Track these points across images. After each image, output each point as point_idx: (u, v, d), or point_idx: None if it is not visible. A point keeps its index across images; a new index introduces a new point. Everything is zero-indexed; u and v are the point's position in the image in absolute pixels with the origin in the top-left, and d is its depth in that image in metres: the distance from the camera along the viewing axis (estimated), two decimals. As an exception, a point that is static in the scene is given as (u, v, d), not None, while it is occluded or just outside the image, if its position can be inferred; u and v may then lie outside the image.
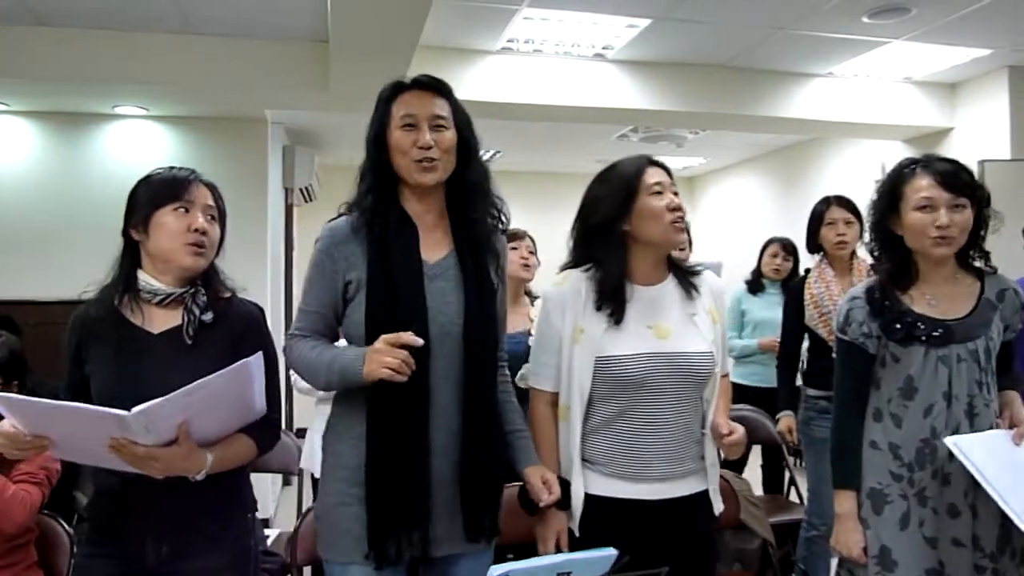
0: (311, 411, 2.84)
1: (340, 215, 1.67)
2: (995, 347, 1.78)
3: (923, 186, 1.76)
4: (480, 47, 4.43)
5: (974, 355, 1.75)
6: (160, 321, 1.60)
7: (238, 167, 4.69)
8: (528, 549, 1.72)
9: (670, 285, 1.77)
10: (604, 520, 1.67)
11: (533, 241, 2.97)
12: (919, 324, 1.77)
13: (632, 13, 3.96)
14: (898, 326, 1.78)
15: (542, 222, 4.06)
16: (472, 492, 1.58)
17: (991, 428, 1.76)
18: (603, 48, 4.47)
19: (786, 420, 3.06)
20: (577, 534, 1.68)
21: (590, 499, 1.69)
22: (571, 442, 1.70)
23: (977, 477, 1.66)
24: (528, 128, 6.01)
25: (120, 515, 1.56)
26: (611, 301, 1.69)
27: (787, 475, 3.61)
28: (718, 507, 1.78)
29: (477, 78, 4.49)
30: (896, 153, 5.46)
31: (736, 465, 3.48)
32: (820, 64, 4.78)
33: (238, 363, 1.45)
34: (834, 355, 1.95)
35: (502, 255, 1.72)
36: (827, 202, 2.97)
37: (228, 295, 1.68)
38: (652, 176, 1.72)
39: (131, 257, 1.63)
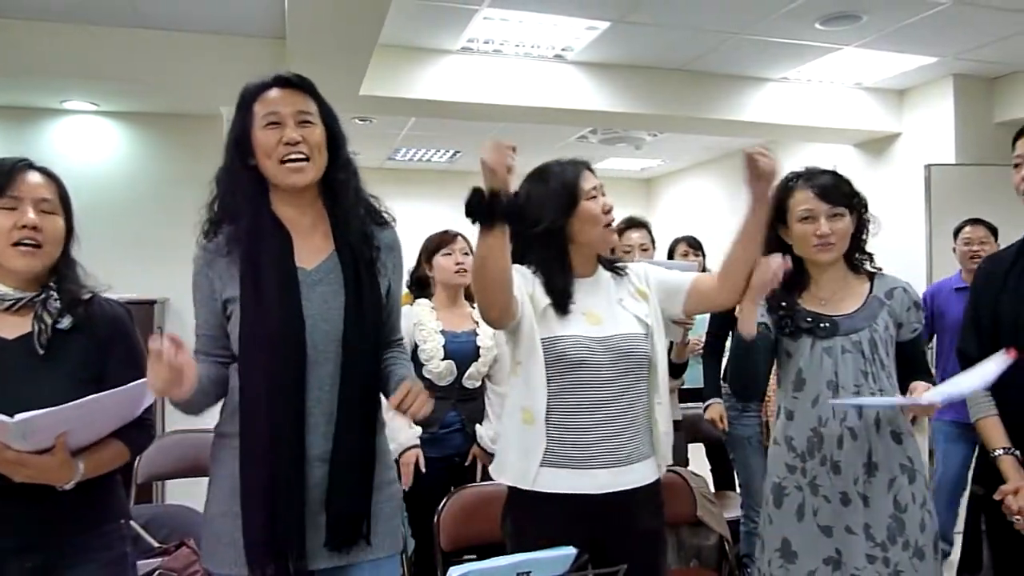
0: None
1: (204, 234, 1.59)
2: (882, 340, 1.86)
3: (804, 199, 1.90)
4: (440, 47, 4.42)
5: (858, 346, 1.84)
6: (12, 327, 1.49)
7: (192, 165, 4.57)
8: (487, 551, 1.72)
9: (603, 275, 1.84)
10: (549, 519, 1.66)
11: (467, 241, 2.85)
12: (807, 319, 1.88)
13: (591, 15, 3.99)
14: (788, 320, 1.90)
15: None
16: (335, 502, 1.50)
17: (881, 415, 1.84)
18: (563, 49, 4.49)
19: (715, 408, 3.05)
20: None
21: (537, 496, 1.68)
22: (536, 446, 1.68)
23: (857, 403, 1.76)
24: (488, 128, 6.01)
25: None
26: (558, 296, 1.74)
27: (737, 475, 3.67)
28: (662, 471, 1.79)
29: (437, 78, 4.48)
30: (847, 156, 5.59)
31: (678, 460, 3.52)
32: (774, 69, 4.87)
33: (136, 383, 1.39)
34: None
35: (393, 249, 1.66)
36: None
37: (88, 296, 1.56)
38: (589, 181, 1.79)
39: None
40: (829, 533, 1.82)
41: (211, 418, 1.62)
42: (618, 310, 1.79)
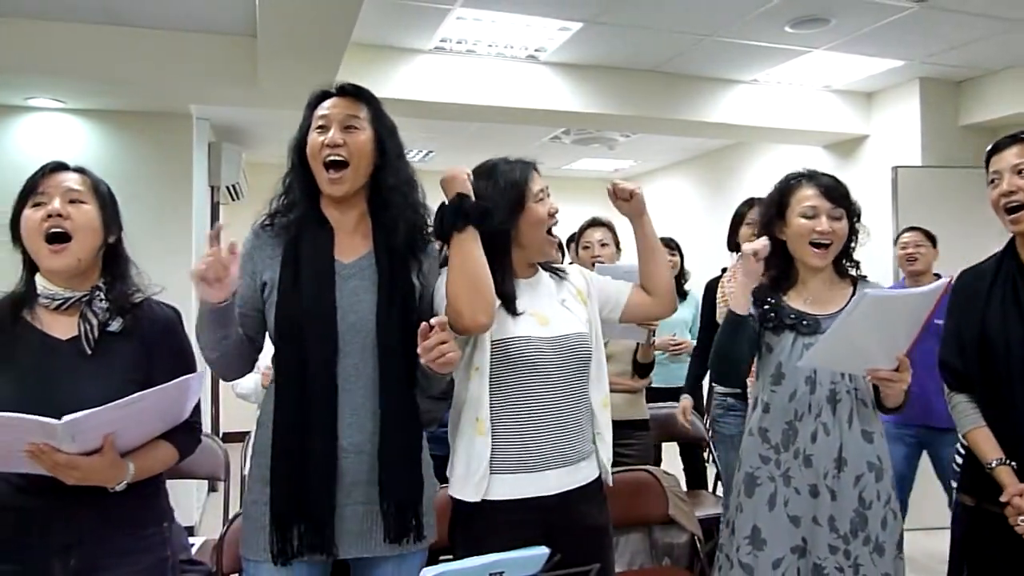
0: (240, 416, 2.78)
1: (262, 221, 1.68)
2: None
3: (808, 195, 1.93)
4: (413, 46, 4.40)
5: None
6: (64, 328, 1.52)
7: (161, 164, 4.54)
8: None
9: (543, 276, 1.85)
10: (502, 525, 1.65)
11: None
12: (790, 315, 1.93)
13: (565, 16, 4.00)
14: (772, 315, 1.95)
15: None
16: (390, 495, 1.57)
17: (854, 414, 1.89)
18: (536, 50, 4.50)
19: (685, 401, 3.17)
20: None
21: (491, 505, 1.67)
22: (484, 454, 1.67)
23: (822, 341, 1.76)
24: (461, 128, 6.00)
25: (21, 530, 1.46)
26: (505, 296, 1.72)
27: (714, 470, 3.71)
28: (608, 481, 1.82)
29: (410, 77, 4.47)
30: (817, 158, 5.67)
31: (648, 459, 3.54)
32: (745, 71, 4.92)
33: (179, 379, 1.41)
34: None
35: (430, 255, 1.72)
36: (750, 203, 3.05)
37: (139, 299, 1.59)
38: (537, 183, 1.77)
39: (31, 263, 1.54)
40: (797, 523, 1.88)
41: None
42: (562, 310, 1.80)
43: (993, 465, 1.79)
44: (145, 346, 1.55)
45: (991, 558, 1.82)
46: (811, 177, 1.97)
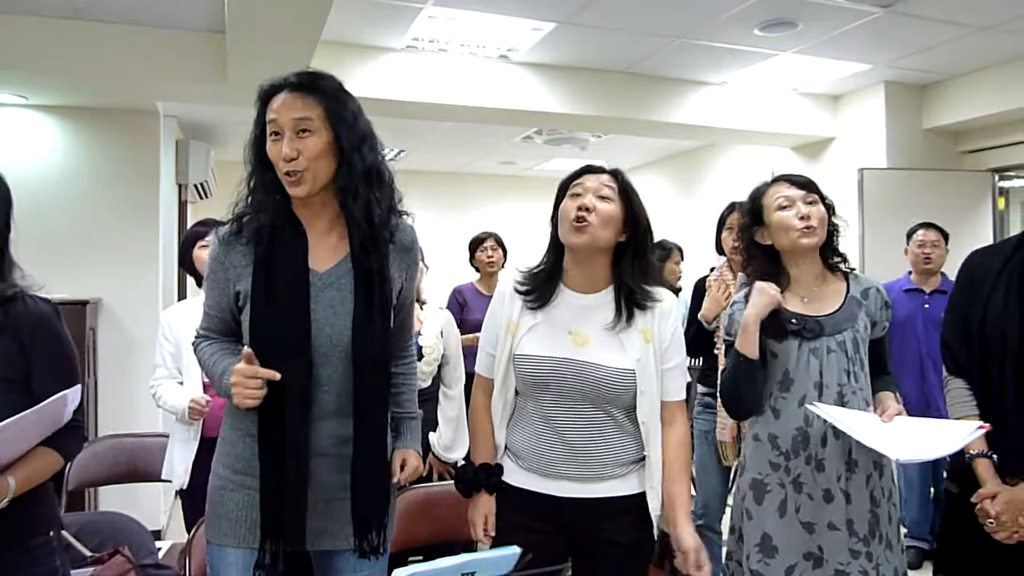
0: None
1: (229, 223, 1.61)
2: (862, 339, 1.91)
3: (780, 190, 1.96)
4: (384, 44, 4.38)
5: (842, 346, 1.89)
6: None
7: (127, 161, 4.46)
8: (433, 551, 1.73)
9: (606, 297, 1.76)
10: (518, 510, 1.72)
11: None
12: (792, 320, 1.90)
13: (537, 16, 4.01)
14: (771, 323, 1.90)
15: (446, 223, 4.05)
16: (361, 500, 1.58)
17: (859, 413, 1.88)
18: (508, 50, 4.50)
19: None
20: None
21: (507, 488, 1.75)
22: (495, 428, 1.80)
23: (833, 422, 1.78)
24: (433, 128, 5.99)
25: None
26: (536, 291, 1.77)
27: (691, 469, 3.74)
28: (654, 507, 1.72)
29: (381, 76, 4.44)
30: (785, 159, 5.75)
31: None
32: (715, 73, 4.97)
33: (55, 397, 1.37)
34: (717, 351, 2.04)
35: (409, 250, 1.68)
36: (731, 207, 3.08)
37: (11, 294, 1.51)
38: (582, 180, 1.78)
39: None
40: (811, 530, 1.85)
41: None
42: (611, 339, 1.71)
43: (972, 454, 1.79)
44: (18, 342, 1.49)
45: (973, 545, 1.83)
46: (780, 176, 2.00)
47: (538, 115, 4.97)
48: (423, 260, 2.85)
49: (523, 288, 1.78)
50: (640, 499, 1.72)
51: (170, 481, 2.64)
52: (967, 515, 1.82)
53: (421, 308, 2.78)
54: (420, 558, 2.13)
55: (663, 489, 1.71)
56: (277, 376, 1.47)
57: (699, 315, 2.95)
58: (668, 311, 1.77)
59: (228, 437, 1.62)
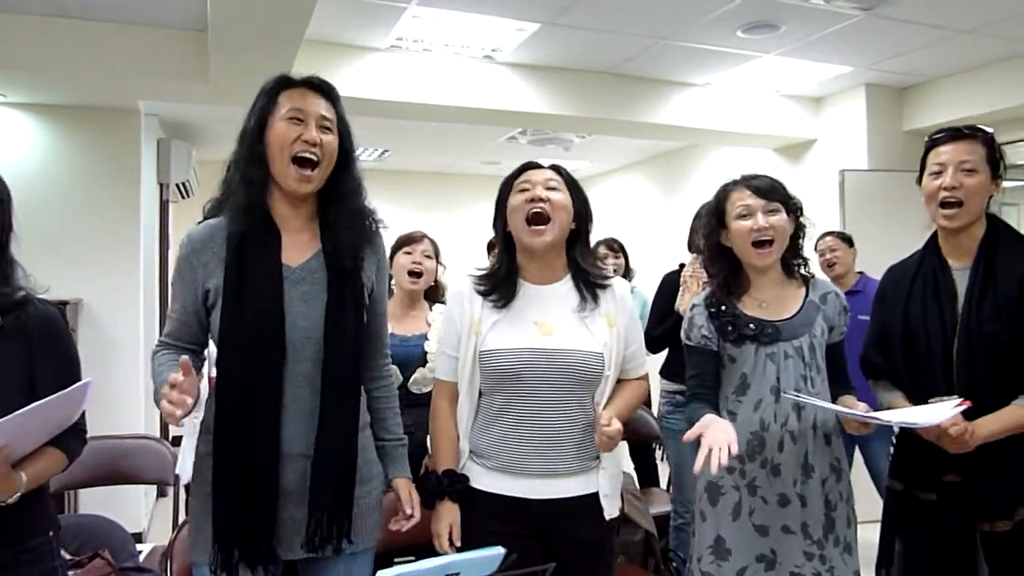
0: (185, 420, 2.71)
1: (205, 217, 1.62)
2: (819, 344, 1.92)
3: (740, 197, 1.93)
4: (368, 44, 4.37)
5: (799, 351, 1.89)
6: None
7: (107, 161, 4.42)
8: (418, 551, 1.72)
9: (566, 286, 1.81)
10: (489, 515, 1.70)
11: (434, 243, 2.83)
12: (750, 325, 1.90)
13: (521, 17, 4.01)
14: (731, 327, 1.92)
15: (430, 222, 4.03)
16: (317, 501, 1.54)
17: (816, 419, 1.89)
18: (492, 50, 4.50)
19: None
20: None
21: (475, 493, 1.73)
22: (460, 434, 1.78)
23: (814, 403, 1.79)
24: (417, 127, 5.98)
25: None
26: (499, 290, 1.77)
27: (668, 468, 3.76)
28: (609, 511, 1.77)
29: (365, 75, 4.43)
30: (767, 160, 5.78)
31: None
32: (698, 74, 4.99)
33: (77, 385, 1.36)
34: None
35: (376, 252, 1.69)
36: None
37: (21, 296, 1.51)
38: (526, 176, 1.81)
39: None
40: (765, 532, 1.86)
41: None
42: (577, 325, 1.75)
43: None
44: (28, 346, 1.49)
45: (920, 539, 1.86)
46: (743, 180, 1.97)
47: (522, 115, 4.97)
48: (438, 259, 2.84)
49: (483, 289, 1.78)
50: (593, 500, 1.76)
51: (156, 484, 2.61)
52: (915, 509, 1.87)
53: (431, 308, 2.76)
54: (412, 558, 2.12)
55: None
56: (181, 380, 1.39)
57: (677, 308, 2.97)
58: (625, 295, 1.85)
59: (201, 451, 1.58)
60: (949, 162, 1.88)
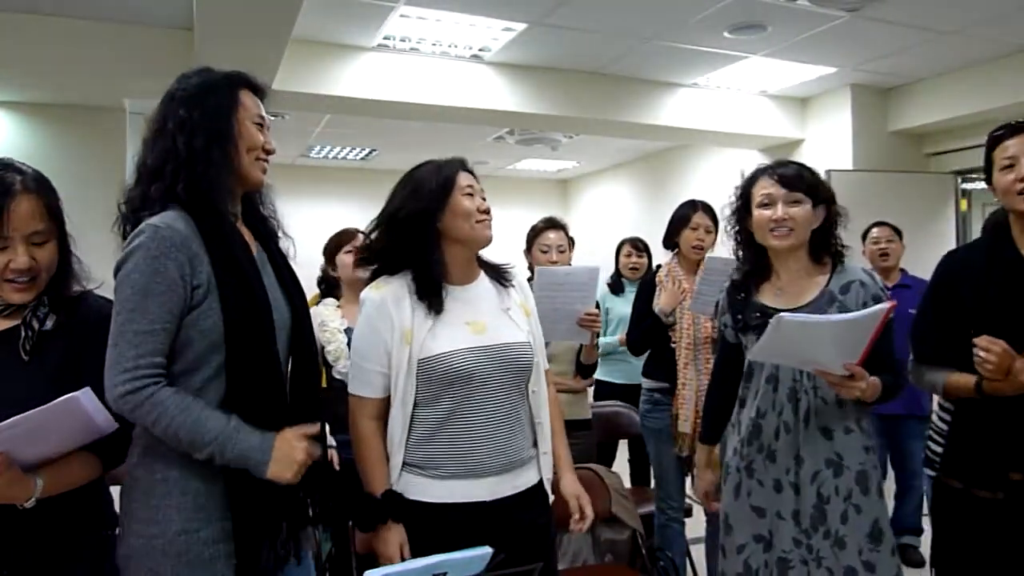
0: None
1: (133, 210, 1.49)
2: None
3: (763, 186, 1.94)
4: (355, 43, 4.35)
5: None
6: (3, 328, 1.46)
7: (92, 159, 4.39)
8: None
9: (484, 283, 1.83)
10: (437, 526, 1.66)
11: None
12: (755, 314, 1.93)
13: (509, 17, 4.01)
14: (739, 316, 1.97)
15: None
16: (306, 490, 1.52)
17: (811, 411, 1.88)
18: (480, 50, 4.50)
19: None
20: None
21: (421, 507, 1.67)
22: (394, 443, 1.70)
23: (804, 319, 1.71)
24: (404, 127, 5.96)
25: None
26: (428, 296, 1.71)
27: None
28: (547, 471, 1.82)
29: (353, 75, 4.41)
30: (753, 161, 5.80)
31: (606, 458, 3.59)
32: (686, 75, 5.01)
33: (64, 398, 1.29)
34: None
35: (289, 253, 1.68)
36: (693, 206, 3.10)
37: (78, 292, 1.52)
38: (465, 179, 1.77)
39: None
40: (762, 514, 1.93)
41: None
42: (503, 319, 1.78)
43: (977, 380, 1.77)
44: (77, 343, 1.48)
45: (983, 541, 1.81)
46: (769, 168, 1.97)
47: (510, 115, 4.97)
48: None
49: (419, 292, 1.72)
50: (541, 486, 1.80)
51: None
52: (971, 513, 1.81)
53: None
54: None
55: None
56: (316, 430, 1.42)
57: (657, 308, 2.98)
58: (523, 282, 1.92)
59: (168, 476, 1.40)
60: (1020, 153, 1.84)
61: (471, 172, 1.82)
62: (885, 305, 1.73)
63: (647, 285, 3.16)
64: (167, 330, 1.37)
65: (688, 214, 3.10)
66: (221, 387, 1.41)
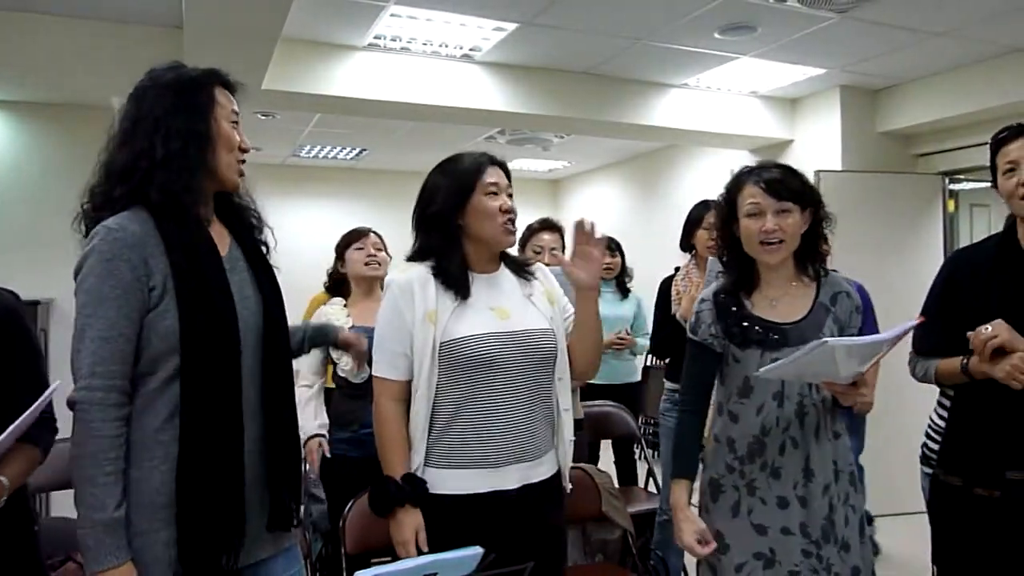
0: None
1: (96, 208, 1.46)
2: None
3: (751, 194, 1.86)
4: (346, 42, 4.34)
5: None
6: None
7: (81, 158, 4.28)
8: (395, 552, 1.71)
9: (505, 273, 1.85)
10: (459, 518, 1.67)
11: (380, 237, 2.97)
12: (756, 328, 1.86)
13: (499, 17, 4.00)
14: (736, 329, 1.87)
15: (408, 221, 4.01)
16: (277, 487, 1.51)
17: (820, 424, 1.85)
18: (471, 50, 4.49)
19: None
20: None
21: (442, 498, 1.68)
22: (417, 432, 1.70)
23: (780, 365, 1.68)
24: (395, 127, 5.95)
25: None
26: (455, 282, 1.74)
27: (646, 467, 3.78)
28: (567, 485, 1.84)
29: (343, 74, 4.40)
30: (743, 162, 5.82)
31: (590, 458, 3.60)
32: (676, 75, 5.02)
33: (41, 400, 1.35)
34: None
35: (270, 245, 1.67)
36: (706, 206, 3.10)
37: None
38: (490, 176, 1.77)
39: None
40: (763, 532, 1.83)
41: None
42: (527, 305, 1.81)
43: (966, 362, 1.81)
44: None
45: (983, 539, 1.81)
46: (755, 172, 1.89)
47: (501, 115, 4.97)
48: (387, 250, 2.88)
49: (445, 279, 1.75)
50: (558, 479, 1.82)
51: None
52: (970, 510, 1.81)
53: None
54: (385, 559, 2.12)
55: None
56: None
57: (677, 315, 2.99)
58: (548, 272, 1.94)
59: (130, 476, 1.37)
60: (1021, 158, 1.85)
61: (501, 165, 1.81)
62: (915, 321, 1.74)
63: (665, 290, 3.18)
64: (125, 335, 1.35)
65: (702, 214, 3.11)
66: (177, 390, 1.38)
